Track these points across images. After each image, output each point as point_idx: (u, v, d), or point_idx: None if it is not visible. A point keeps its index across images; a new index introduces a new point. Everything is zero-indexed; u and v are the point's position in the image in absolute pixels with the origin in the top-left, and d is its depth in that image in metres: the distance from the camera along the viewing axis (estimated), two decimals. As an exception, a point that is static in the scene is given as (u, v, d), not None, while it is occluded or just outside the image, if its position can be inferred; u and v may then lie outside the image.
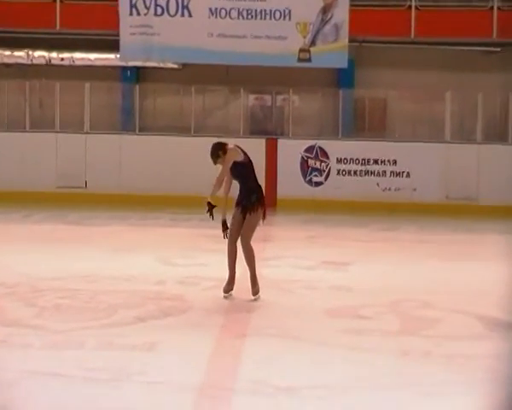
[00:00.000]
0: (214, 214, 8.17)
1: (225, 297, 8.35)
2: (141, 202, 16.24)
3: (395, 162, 16.98)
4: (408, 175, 16.95)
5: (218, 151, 8.28)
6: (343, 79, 18.14)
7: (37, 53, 18.30)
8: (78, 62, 18.29)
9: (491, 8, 17.39)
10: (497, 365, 6.27)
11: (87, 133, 17.40)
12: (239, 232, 8.29)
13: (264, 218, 8.38)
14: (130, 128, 17.71)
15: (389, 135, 18.06)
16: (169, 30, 16.44)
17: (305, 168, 17.07)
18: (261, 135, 17.58)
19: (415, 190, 16.89)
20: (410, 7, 17.53)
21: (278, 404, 5.39)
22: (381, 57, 18.11)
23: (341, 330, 7.21)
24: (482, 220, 15.34)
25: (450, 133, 17.37)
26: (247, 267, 8.33)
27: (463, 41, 17.69)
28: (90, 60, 18.31)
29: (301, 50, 16.51)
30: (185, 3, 16.45)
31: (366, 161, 17.02)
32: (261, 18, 16.45)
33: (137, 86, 18.07)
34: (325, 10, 16.43)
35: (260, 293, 8.33)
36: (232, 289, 8.38)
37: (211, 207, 8.15)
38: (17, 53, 18.27)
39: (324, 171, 17.07)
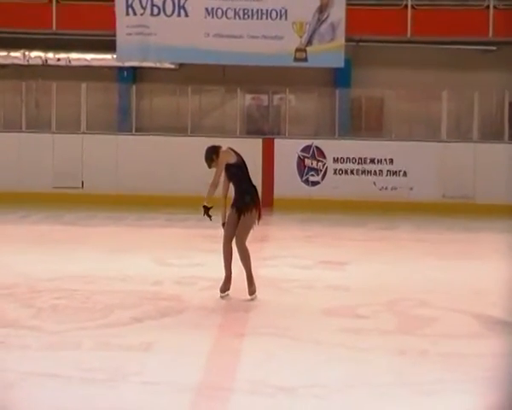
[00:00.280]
0: (212, 215, 8.21)
1: (222, 297, 8.35)
2: (137, 202, 16.24)
3: (392, 161, 17.00)
4: (404, 174, 16.96)
5: (212, 155, 8.32)
6: (339, 78, 18.15)
7: (34, 53, 18.29)
8: (74, 63, 18.28)
9: (487, 7, 17.41)
10: (495, 363, 6.27)
11: (83, 133, 17.39)
12: (234, 233, 8.29)
13: (259, 219, 8.38)
14: (127, 128, 17.70)
15: (386, 134, 18.07)
16: (165, 30, 16.43)
17: (302, 168, 17.08)
18: (258, 135, 17.58)
19: (411, 189, 16.91)
20: (406, 6, 17.54)
21: (276, 403, 5.39)
22: (377, 57, 18.12)
23: (339, 330, 7.22)
24: (479, 219, 15.36)
25: (446, 132, 17.39)
26: (243, 268, 8.33)
27: (459, 40, 17.71)
28: (86, 60, 18.30)
29: (298, 50, 16.52)
30: (181, 3, 16.45)
31: (363, 161, 17.04)
32: (257, 18, 16.45)
33: (134, 86, 18.06)
34: (321, 10, 16.44)
35: (257, 292, 8.32)
36: (229, 289, 8.38)
37: (207, 209, 8.20)
38: (13, 53, 18.26)
39: (321, 170, 17.07)
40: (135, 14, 16.47)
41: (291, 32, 16.44)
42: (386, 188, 16.96)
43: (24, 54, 18.26)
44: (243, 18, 16.45)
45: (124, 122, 18.06)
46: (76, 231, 13.53)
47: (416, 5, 17.57)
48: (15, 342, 6.68)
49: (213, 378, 5.94)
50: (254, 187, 8.47)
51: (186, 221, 14.51)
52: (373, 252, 11.71)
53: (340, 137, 17.48)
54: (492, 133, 17.64)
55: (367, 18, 17.28)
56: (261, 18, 16.45)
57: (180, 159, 16.78)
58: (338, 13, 16.37)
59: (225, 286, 8.38)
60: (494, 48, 17.80)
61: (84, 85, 17.56)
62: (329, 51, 16.44)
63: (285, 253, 11.25)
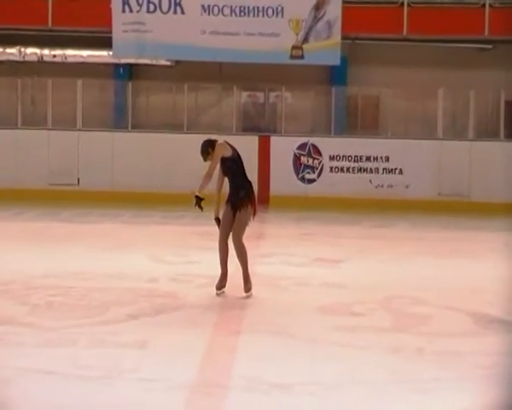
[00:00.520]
0: (203, 207, 8.19)
1: (218, 294, 8.35)
2: (133, 199, 16.23)
3: (387, 159, 17.01)
4: (400, 172, 16.98)
5: (208, 148, 8.33)
6: (336, 76, 18.16)
7: (30, 50, 18.27)
8: (70, 59, 18.26)
9: (483, 5, 17.44)
10: (491, 362, 6.29)
11: (79, 130, 17.38)
12: (230, 230, 8.29)
13: (254, 214, 8.37)
14: (123, 125, 17.69)
15: (382, 132, 18.10)
16: (161, 27, 16.42)
17: (298, 165, 17.09)
18: (254, 132, 17.59)
19: (407, 186, 16.93)
20: (402, 4, 17.56)
21: (272, 401, 5.40)
22: (373, 55, 18.13)
23: (334, 327, 7.23)
24: (474, 217, 15.39)
25: (442, 130, 17.42)
26: (239, 265, 8.33)
27: (455, 38, 17.74)
28: (82, 57, 18.28)
29: (294, 47, 16.52)
30: (178, 0, 16.44)
31: (359, 158, 17.05)
32: (254, 15, 16.46)
33: (130, 83, 18.05)
34: (318, 7, 16.45)
35: (253, 290, 8.33)
36: (225, 286, 8.38)
37: (198, 200, 8.18)
38: (9, 50, 18.23)
39: (317, 168, 17.09)
40: (131, 10, 16.46)
41: (287, 30, 16.45)
42: (382, 186, 16.98)
43: (20, 50, 18.24)
44: (239, 15, 16.45)
45: (120, 119, 18.05)
46: (72, 227, 13.52)
47: (412, 3, 17.58)
48: (11, 338, 6.68)
49: (209, 375, 5.94)
50: (249, 182, 8.45)
51: (182, 218, 14.51)
52: (369, 250, 11.72)
53: (336, 134, 17.50)
54: (488, 132, 17.68)
55: (363, 16, 17.30)
56: (257, 15, 16.46)
57: (176, 156, 16.77)
58: (334, 10, 16.38)
59: (221, 283, 8.38)
60: (490, 46, 17.82)
61: (79, 82, 17.53)
62: (326, 49, 16.45)
63: (281, 250, 11.26)
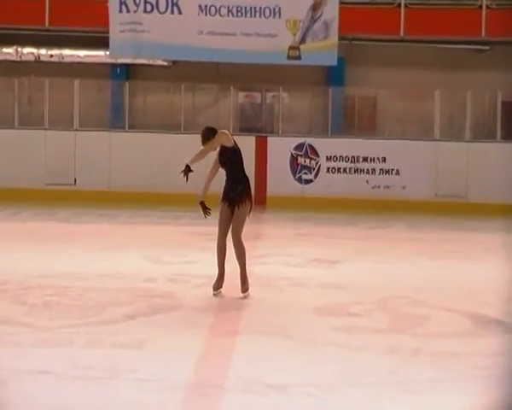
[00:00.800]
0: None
1: (215, 295, 8.34)
2: (130, 199, 16.22)
3: (384, 160, 17.02)
4: (397, 173, 17.00)
5: (210, 135, 8.32)
6: (333, 76, 18.16)
7: (26, 50, 18.25)
8: (67, 59, 18.25)
9: (480, 6, 17.45)
10: (487, 362, 6.29)
11: (76, 130, 17.36)
12: (228, 228, 8.27)
13: (250, 210, 8.34)
14: (120, 125, 17.68)
15: (379, 133, 18.10)
16: (159, 27, 16.42)
17: (295, 166, 17.09)
18: (251, 132, 17.58)
19: (404, 187, 16.94)
20: (399, 5, 17.57)
21: (268, 402, 5.39)
22: (370, 55, 18.13)
23: (331, 328, 7.23)
24: (471, 218, 15.40)
25: (439, 131, 17.43)
26: (236, 265, 8.33)
27: (452, 39, 17.75)
28: (79, 57, 18.27)
29: (291, 48, 16.52)
30: (175, 1, 16.44)
31: (356, 159, 17.06)
32: (251, 15, 16.46)
33: (127, 83, 18.04)
34: (315, 8, 16.46)
35: (250, 291, 8.32)
36: (222, 287, 8.37)
37: (188, 170, 8.13)
38: (6, 50, 18.21)
39: (314, 168, 17.09)
40: (128, 11, 16.45)
41: (284, 30, 16.45)
42: (378, 186, 16.98)
43: (16, 50, 18.22)
44: (237, 15, 16.46)
45: (117, 119, 18.04)
46: (68, 227, 13.51)
47: (410, 4, 17.59)
48: (8, 338, 6.67)
49: (205, 376, 5.94)
50: (247, 177, 8.41)
51: (179, 219, 14.51)
52: (365, 251, 11.72)
53: (333, 135, 17.51)
54: (485, 133, 17.70)
55: (360, 16, 17.30)
56: (255, 16, 16.46)
57: (173, 156, 16.69)
58: (331, 11, 16.39)
59: (218, 284, 8.37)
60: (487, 47, 17.84)
61: (76, 82, 17.52)
62: (323, 49, 16.46)
63: (278, 251, 11.26)
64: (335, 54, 16.44)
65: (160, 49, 16.73)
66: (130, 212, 15.21)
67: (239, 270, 8.32)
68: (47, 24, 17.61)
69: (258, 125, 18.44)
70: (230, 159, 8.29)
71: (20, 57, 18.25)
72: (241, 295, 8.28)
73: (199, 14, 16.45)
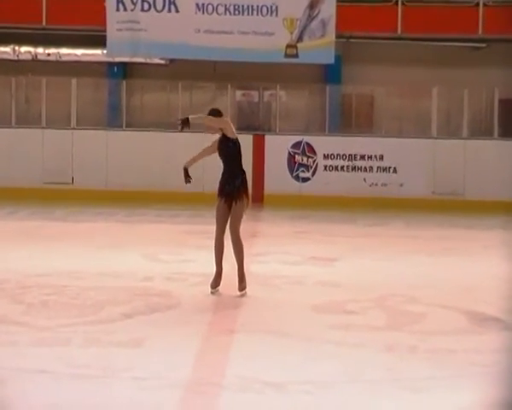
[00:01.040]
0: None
1: (212, 293, 8.34)
2: (128, 198, 16.21)
3: (382, 158, 17.03)
4: (395, 171, 17.00)
5: (215, 115, 8.39)
6: (330, 74, 18.16)
7: (24, 48, 18.23)
8: (64, 58, 18.23)
9: (477, 4, 17.46)
10: (484, 360, 6.30)
11: (74, 129, 17.36)
12: (226, 224, 8.25)
13: (247, 205, 8.32)
14: (117, 124, 17.67)
15: (376, 131, 18.11)
16: (156, 26, 16.40)
17: (292, 164, 17.09)
18: (248, 131, 17.56)
19: (401, 185, 16.94)
20: (396, 3, 17.58)
21: (266, 399, 5.40)
22: (367, 53, 18.14)
23: (328, 326, 7.23)
24: (468, 215, 15.41)
25: (436, 129, 17.44)
26: (234, 263, 8.32)
27: (450, 37, 17.76)
28: (76, 56, 18.26)
29: (288, 46, 16.51)
30: (172, -1, 16.42)
31: (353, 157, 17.06)
32: (248, 14, 16.44)
33: (124, 82, 18.03)
34: (312, 6, 16.44)
35: (247, 289, 8.32)
36: (219, 285, 8.37)
37: (184, 122, 8.11)
38: (3, 48, 18.19)
39: (311, 166, 17.09)
40: (125, 9, 16.43)
41: (282, 29, 16.44)
42: (376, 184, 16.99)
43: (14, 49, 18.20)
44: (234, 14, 16.44)
45: (114, 118, 18.03)
46: (66, 226, 13.51)
47: (407, 2, 17.60)
48: (5, 338, 6.67)
49: (203, 374, 5.95)
50: (244, 171, 8.37)
51: (177, 217, 14.52)
52: (363, 248, 11.73)
53: (331, 133, 17.51)
54: (482, 130, 17.71)
55: (357, 14, 17.30)
56: (252, 14, 16.44)
57: (170, 155, 16.74)
58: (328, 9, 16.38)
59: (216, 282, 8.36)
60: (484, 45, 17.85)
61: (74, 81, 17.51)
62: (320, 48, 16.44)
63: (275, 249, 11.26)
64: (332, 52, 16.43)
65: (157, 48, 16.71)
66: (128, 210, 15.20)
67: (237, 267, 8.31)
68: (44, 23, 17.60)
69: (256, 124, 18.44)
70: (230, 150, 8.28)
71: (18, 56, 18.23)
72: (239, 293, 8.27)
73: (196, 13, 16.43)
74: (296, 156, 17.10)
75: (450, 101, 17.72)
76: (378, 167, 17.02)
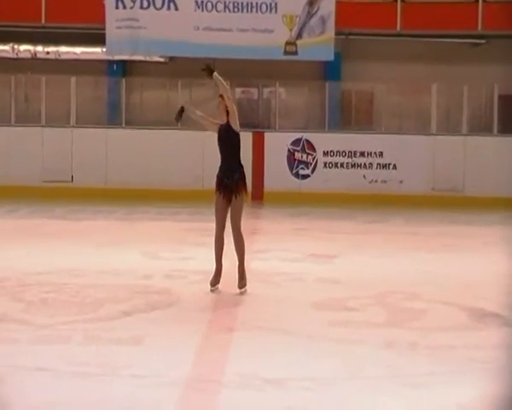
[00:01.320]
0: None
1: (212, 290, 8.34)
2: (127, 196, 16.21)
3: (381, 154, 17.02)
4: (394, 167, 17.00)
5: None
6: (330, 71, 18.15)
7: (23, 47, 18.22)
8: (63, 56, 18.22)
9: (477, 0, 17.44)
10: (485, 356, 6.30)
11: (73, 127, 17.35)
12: (225, 219, 8.23)
13: (246, 198, 8.30)
14: (117, 122, 17.66)
15: (376, 127, 18.10)
16: (155, 23, 16.39)
17: (292, 161, 17.09)
18: (248, 128, 17.52)
19: (401, 182, 16.94)
20: (395, -1, 17.58)
21: (266, 396, 5.40)
22: (367, 50, 18.13)
23: (328, 323, 7.23)
24: (468, 212, 15.41)
25: (436, 125, 17.43)
26: (234, 260, 8.32)
27: (449, 33, 17.75)
28: (75, 54, 18.24)
29: (288, 43, 16.51)
30: (171, -3, 16.41)
31: (353, 154, 17.06)
32: (247, 11, 16.44)
33: (124, 80, 18.02)
34: (311, 3, 16.44)
35: (247, 286, 8.32)
36: (219, 283, 8.37)
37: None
38: (2, 47, 18.18)
39: (311, 163, 17.09)
40: (124, 7, 16.42)
41: (281, 26, 16.43)
42: (375, 181, 16.99)
43: (13, 47, 18.19)
44: (233, 11, 16.43)
45: (113, 116, 18.02)
46: (66, 224, 13.51)
47: (406, -2, 17.60)
48: (5, 335, 6.67)
49: (203, 372, 5.95)
50: (242, 165, 8.35)
51: (176, 215, 14.51)
52: (363, 245, 11.73)
53: (330, 130, 17.50)
54: (482, 126, 17.70)
55: (357, 11, 17.29)
56: (251, 11, 16.44)
57: (170, 153, 16.76)
58: (328, 6, 16.37)
59: (215, 279, 8.36)
60: (483, 41, 17.84)
61: (73, 79, 17.51)
62: (319, 44, 16.44)
63: (275, 246, 11.26)
64: (332, 49, 16.42)
65: (156, 46, 16.71)
66: (127, 208, 15.20)
67: (237, 264, 8.30)
68: (43, 21, 17.59)
69: (255, 121, 18.42)
70: (231, 140, 8.28)
71: (17, 54, 18.22)
72: (239, 290, 8.27)
73: (195, 10, 16.43)
74: (296, 153, 17.10)
75: (449, 97, 17.71)
76: (378, 164, 17.02)
